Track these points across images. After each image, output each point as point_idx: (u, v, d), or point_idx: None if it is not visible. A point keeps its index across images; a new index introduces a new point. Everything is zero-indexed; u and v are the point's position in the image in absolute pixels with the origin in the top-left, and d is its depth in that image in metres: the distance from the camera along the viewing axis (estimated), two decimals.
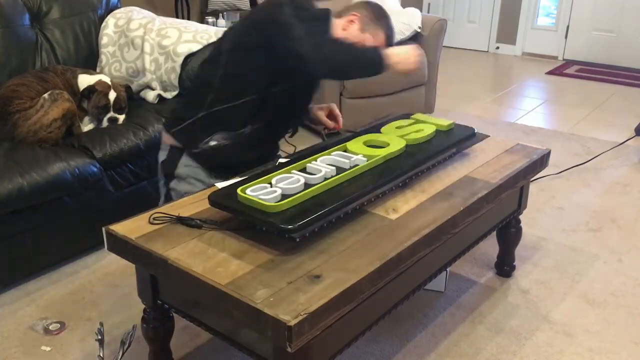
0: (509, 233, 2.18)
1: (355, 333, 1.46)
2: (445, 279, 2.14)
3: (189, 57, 2.49)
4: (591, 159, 3.32)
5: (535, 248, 2.45)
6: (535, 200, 2.84)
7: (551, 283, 2.21)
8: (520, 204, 2.12)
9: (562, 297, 2.13)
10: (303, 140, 3.58)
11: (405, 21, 3.75)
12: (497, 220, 2.03)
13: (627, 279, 2.25)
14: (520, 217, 2.19)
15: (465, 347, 1.88)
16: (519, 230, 2.20)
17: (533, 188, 2.94)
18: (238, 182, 1.58)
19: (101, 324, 1.88)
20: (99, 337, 1.83)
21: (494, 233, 2.12)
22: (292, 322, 1.17)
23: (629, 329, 1.98)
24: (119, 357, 1.78)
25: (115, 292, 2.10)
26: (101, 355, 1.79)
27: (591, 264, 2.34)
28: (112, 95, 2.31)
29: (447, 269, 1.95)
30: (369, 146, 1.81)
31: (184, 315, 1.55)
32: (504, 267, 2.24)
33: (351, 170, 1.64)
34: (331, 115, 2.10)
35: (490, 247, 2.37)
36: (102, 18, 2.73)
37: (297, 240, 1.40)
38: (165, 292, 1.56)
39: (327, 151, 1.75)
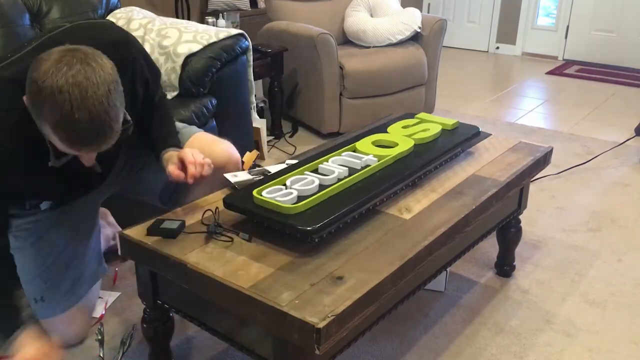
0: (509, 233, 2.18)
1: (355, 333, 1.46)
2: (445, 279, 2.14)
3: (190, 57, 2.50)
4: (591, 159, 3.32)
5: (535, 248, 2.45)
6: (535, 200, 2.85)
7: (551, 283, 2.21)
8: (520, 204, 2.13)
9: (562, 297, 2.13)
10: (302, 140, 3.59)
11: (405, 21, 3.76)
12: (497, 220, 2.03)
13: (627, 279, 2.25)
14: (520, 217, 2.19)
15: (465, 347, 1.88)
16: (519, 230, 2.20)
17: (533, 188, 2.95)
18: (252, 184, 1.58)
19: (101, 324, 1.88)
20: (99, 337, 1.84)
21: (494, 233, 2.12)
22: (321, 325, 1.16)
23: (629, 329, 1.98)
24: (119, 357, 1.78)
25: (115, 293, 2.10)
26: (101, 355, 1.79)
27: (591, 264, 2.34)
28: None
29: (447, 269, 1.95)
30: (377, 146, 1.82)
31: (184, 315, 1.55)
32: (504, 267, 2.25)
33: (363, 170, 1.64)
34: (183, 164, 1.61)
35: (490, 247, 2.38)
36: (102, 18, 2.73)
37: (316, 241, 1.40)
38: (165, 292, 1.57)
39: (337, 152, 1.76)
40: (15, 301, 1.47)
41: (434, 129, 1.95)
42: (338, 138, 2.10)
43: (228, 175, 1.74)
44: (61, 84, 1.18)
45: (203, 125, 2.48)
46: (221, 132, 2.59)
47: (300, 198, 1.49)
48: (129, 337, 1.84)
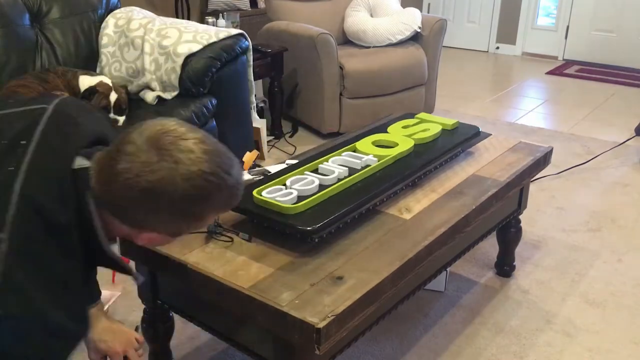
0: (509, 233, 2.18)
1: (355, 333, 1.46)
2: (445, 279, 2.14)
3: (190, 57, 2.50)
4: (591, 159, 3.32)
5: (535, 248, 2.45)
6: (535, 200, 2.84)
7: (551, 283, 2.21)
8: (520, 204, 2.13)
9: (562, 297, 2.13)
10: (302, 140, 3.59)
11: (405, 21, 3.76)
12: (497, 220, 2.03)
13: (627, 279, 2.25)
14: (520, 217, 2.19)
15: (465, 347, 1.88)
16: (519, 230, 2.20)
17: (533, 188, 2.94)
18: (252, 183, 1.59)
19: None
20: None
21: (494, 233, 2.12)
22: (321, 325, 1.17)
23: (629, 329, 1.98)
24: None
25: (115, 292, 2.10)
26: None
27: (591, 264, 2.34)
28: (113, 97, 2.31)
29: (447, 269, 1.95)
30: (377, 146, 1.82)
31: (184, 315, 1.55)
32: (504, 267, 2.25)
33: (363, 170, 1.65)
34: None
35: (490, 247, 2.37)
36: (102, 18, 2.73)
37: (316, 241, 1.40)
38: (165, 292, 1.56)
39: (337, 152, 1.76)
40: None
41: (434, 129, 1.95)
42: (338, 138, 2.10)
43: None
44: (206, 166, 0.99)
45: (203, 126, 2.48)
46: (221, 132, 2.59)
47: (300, 198, 1.48)
48: None
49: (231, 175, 1.03)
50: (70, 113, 1.14)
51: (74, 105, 1.18)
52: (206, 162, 0.99)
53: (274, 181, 1.57)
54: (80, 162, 1.04)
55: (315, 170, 1.67)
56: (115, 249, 2.10)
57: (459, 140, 1.93)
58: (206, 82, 2.51)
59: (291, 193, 1.49)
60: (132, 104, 2.47)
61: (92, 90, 2.32)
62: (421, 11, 4.14)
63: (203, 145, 1.01)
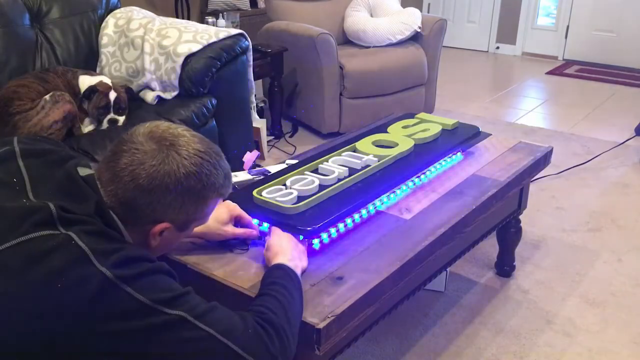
0: (509, 233, 2.18)
1: (355, 333, 1.46)
2: (445, 279, 2.14)
3: (189, 57, 2.50)
4: (591, 159, 3.32)
5: (535, 248, 2.45)
6: (535, 200, 2.84)
7: (551, 283, 2.21)
8: (520, 204, 2.13)
9: (562, 297, 2.13)
10: (302, 140, 3.59)
11: (405, 21, 3.76)
12: (497, 220, 2.03)
13: (627, 279, 2.25)
14: (520, 217, 2.19)
15: (465, 347, 1.88)
16: (519, 230, 2.20)
17: (533, 188, 2.94)
18: (252, 183, 1.59)
19: None
20: None
21: (494, 233, 2.12)
22: (321, 325, 1.17)
23: (629, 329, 1.98)
24: None
25: None
26: None
27: (591, 264, 2.34)
28: (113, 96, 2.31)
29: (447, 269, 1.95)
30: (377, 146, 1.82)
31: None
32: (504, 267, 2.25)
33: (363, 170, 1.65)
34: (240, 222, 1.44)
35: (490, 247, 2.37)
36: (102, 18, 2.73)
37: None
38: None
39: (337, 152, 1.76)
40: None
41: (434, 129, 1.95)
42: (338, 138, 2.10)
43: None
44: (200, 146, 1.07)
45: (203, 126, 2.47)
46: (221, 132, 2.59)
47: (300, 198, 1.49)
48: None
49: (222, 157, 1.12)
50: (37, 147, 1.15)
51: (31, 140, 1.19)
52: (199, 143, 1.08)
53: (274, 181, 1.57)
54: (83, 170, 1.07)
55: (315, 170, 1.67)
56: None
57: (459, 140, 1.93)
58: (206, 82, 2.51)
59: (291, 193, 1.49)
60: (132, 103, 2.46)
61: (92, 90, 2.32)
62: (421, 11, 4.14)
63: (193, 133, 1.10)
